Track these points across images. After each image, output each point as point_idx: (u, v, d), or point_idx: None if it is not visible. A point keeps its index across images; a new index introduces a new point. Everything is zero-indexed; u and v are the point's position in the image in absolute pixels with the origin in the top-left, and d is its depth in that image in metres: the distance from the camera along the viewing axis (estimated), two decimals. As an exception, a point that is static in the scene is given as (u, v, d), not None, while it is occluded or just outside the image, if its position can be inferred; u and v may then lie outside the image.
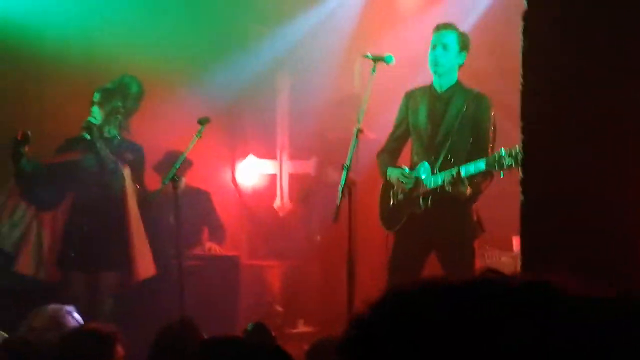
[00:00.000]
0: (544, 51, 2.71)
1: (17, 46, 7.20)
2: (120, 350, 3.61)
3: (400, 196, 5.60)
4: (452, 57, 5.56)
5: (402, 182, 5.54)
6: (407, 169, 5.60)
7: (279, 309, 7.50)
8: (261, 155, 8.30)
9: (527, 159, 2.71)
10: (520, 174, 2.70)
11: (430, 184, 5.42)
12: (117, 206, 6.15)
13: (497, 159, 5.05)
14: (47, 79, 7.42)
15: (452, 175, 5.27)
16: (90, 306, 5.85)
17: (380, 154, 5.79)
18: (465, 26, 6.23)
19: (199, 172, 7.26)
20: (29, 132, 5.93)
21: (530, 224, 2.69)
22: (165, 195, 6.12)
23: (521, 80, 2.73)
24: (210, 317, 5.52)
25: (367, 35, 7.59)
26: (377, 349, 1.06)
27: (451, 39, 5.55)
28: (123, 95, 6.28)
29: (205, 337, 3.45)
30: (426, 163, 5.49)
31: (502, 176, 5.06)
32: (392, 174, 5.65)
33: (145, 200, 6.30)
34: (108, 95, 6.23)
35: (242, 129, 8.33)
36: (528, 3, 2.71)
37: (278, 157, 8.31)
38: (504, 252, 6.70)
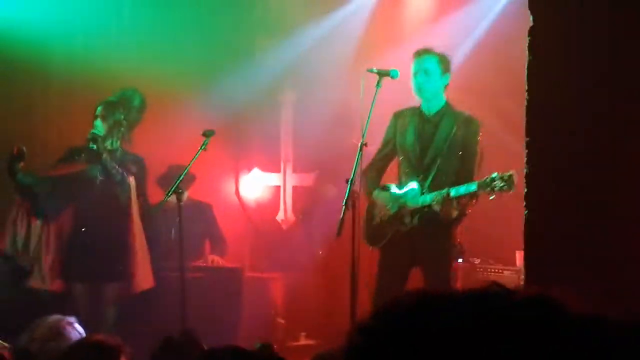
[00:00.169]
0: (549, 67, 2.72)
1: (26, 60, 7.22)
2: (124, 362, 3.60)
3: (385, 218, 5.64)
4: (436, 81, 5.57)
5: (387, 207, 5.58)
6: (394, 191, 5.61)
7: (281, 321, 7.48)
8: (265, 167, 8.30)
9: (530, 173, 2.71)
10: (525, 188, 2.71)
11: (417, 203, 5.45)
12: (122, 217, 6.19)
13: (488, 181, 5.09)
14: (54, 93, 7.44)
15: (442, 195, 5.31)
16: (92, 317, 5.85)
17: (367, 171, 5.74)
18: (471, 41, 6.24)
19: (203, 184, 7.27)
20: (24, 148, 5.95)
21: (534, 238, 2.69)
22: (168, 207, 6.14)
23: (526, 95, 2.74)
24: (212, 329, 5.49)
25: (372, 50, 7.59)
26: (380, 357, 1.07)
27: (432, 63, 5.55)
28: (125, 108, 6.30)
29: (207, 349, 3.44)
30: (416, 182, 5.52)
31: (491, 199, 5.11)
32: (379, 196, 5.69)
33: (148, 212, 6.32)
34: (111, 108, 6.26)
35: (246, 141, 8.33)
36: (534, 19, 2.72)
37: (282, 170, 8.30)
38: (507, 267, 6.72)
